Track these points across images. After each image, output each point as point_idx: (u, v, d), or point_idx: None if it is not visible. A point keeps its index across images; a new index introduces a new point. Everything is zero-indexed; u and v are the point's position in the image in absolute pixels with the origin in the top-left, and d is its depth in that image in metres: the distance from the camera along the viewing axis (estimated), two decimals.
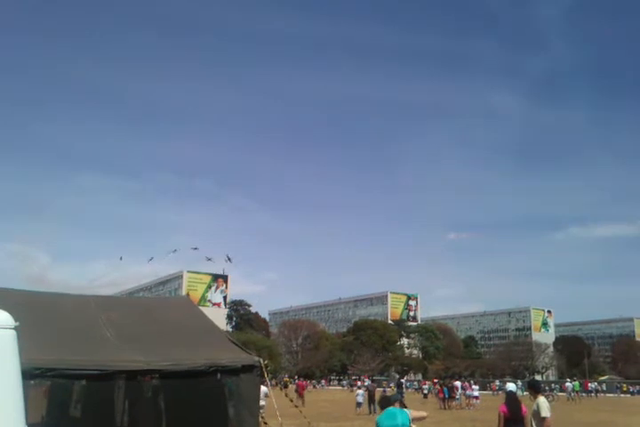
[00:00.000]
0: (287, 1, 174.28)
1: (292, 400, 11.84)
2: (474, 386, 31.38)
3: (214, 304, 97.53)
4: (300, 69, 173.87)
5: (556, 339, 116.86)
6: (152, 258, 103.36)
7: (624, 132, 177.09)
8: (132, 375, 6.99)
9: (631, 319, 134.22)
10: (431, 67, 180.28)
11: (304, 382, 39.54)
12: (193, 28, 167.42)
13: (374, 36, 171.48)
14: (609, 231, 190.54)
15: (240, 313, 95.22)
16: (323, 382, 74.98)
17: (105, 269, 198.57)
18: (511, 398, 7.76)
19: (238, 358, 7.78)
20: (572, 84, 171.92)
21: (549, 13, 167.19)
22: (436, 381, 42.33)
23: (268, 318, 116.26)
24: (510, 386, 8.23)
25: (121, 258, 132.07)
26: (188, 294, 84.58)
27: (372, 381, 41.67)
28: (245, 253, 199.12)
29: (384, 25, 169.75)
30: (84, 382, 6.98)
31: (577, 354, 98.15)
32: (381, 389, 36.92)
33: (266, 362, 7.99)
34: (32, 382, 6.13)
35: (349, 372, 79.40)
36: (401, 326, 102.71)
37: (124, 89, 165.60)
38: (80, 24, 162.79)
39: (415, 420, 6.24)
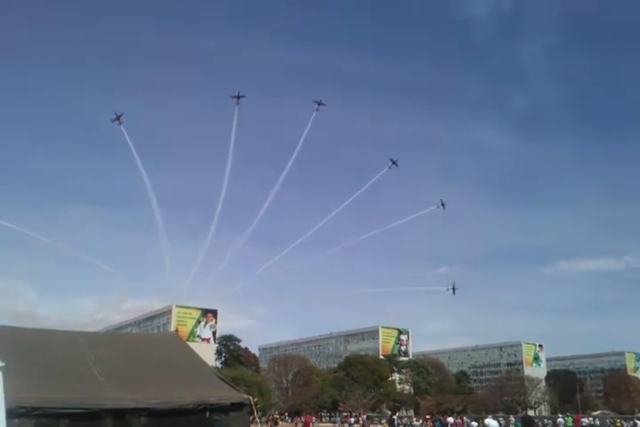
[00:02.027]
0: (279, 31, 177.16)
1: None
2: (472, 423, 30.97)
3: (203, 340, 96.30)
4: (286, 98, 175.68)
5: (548, 373, 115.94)
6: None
7: (609, 166, 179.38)
8: (120, 414, 6.89)
9: (622, 353, 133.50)
10: (416, 100, 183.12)
11: (309, 418, 38.97)
12: (175, 57, 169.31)
13: (362, 69, 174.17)
14: (596, 265, 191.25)
15: (229, 349, 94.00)
16: (314, 418, 73.61)
17: (92, 305, 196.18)
18: None
19: (227, 395, 7.70)
20: (556, 118, 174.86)
21: (533, 50, 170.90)
22: (428, 417, 41.80)
23: (257, 354, 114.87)
24: (491, 423, 8.18)
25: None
26: (176, 330, 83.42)
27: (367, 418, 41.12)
28: (235, 287, 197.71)
29: (372, 57, 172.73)
30: (67, 421, 6.85)
31: (569, 389, 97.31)
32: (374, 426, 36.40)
33: (256, 399, 7.91)
34: (17, 420, 6.03)
35: (340, 408, 78.18)
36: (392, 361, 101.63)
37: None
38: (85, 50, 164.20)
39: None
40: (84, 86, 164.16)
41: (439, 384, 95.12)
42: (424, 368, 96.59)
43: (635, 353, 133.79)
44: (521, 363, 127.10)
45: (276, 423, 39.51)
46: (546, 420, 54.10)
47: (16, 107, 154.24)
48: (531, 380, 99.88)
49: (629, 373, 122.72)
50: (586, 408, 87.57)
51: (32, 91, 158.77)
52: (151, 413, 6.99)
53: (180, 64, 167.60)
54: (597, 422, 56.43)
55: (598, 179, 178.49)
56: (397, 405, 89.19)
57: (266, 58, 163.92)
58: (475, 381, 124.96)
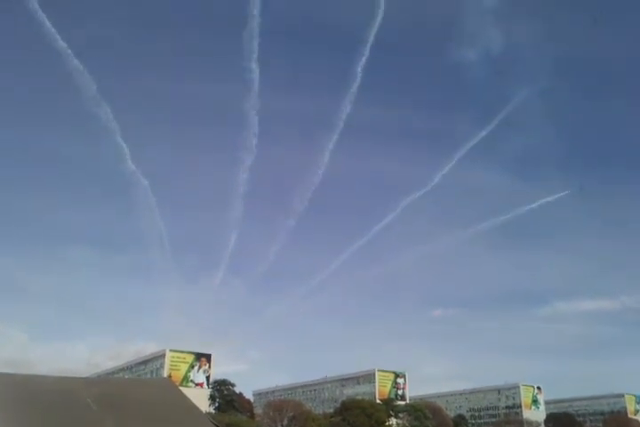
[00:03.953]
0: (271, 79, 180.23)
1: None
2: None
3: (197, 384, 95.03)
4: (275, 147, 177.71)
5: (547, 416, 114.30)
6: None
7: (605, 206, 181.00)
8: None
9: (622, 395, 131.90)
10: (412, 142, 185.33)
11: None
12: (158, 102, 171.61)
13: (358, 112, 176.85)
14: (593, 306, 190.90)
15: (223, 393, 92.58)
16: None
17: (85, 349, 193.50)
18: None
19: None
20: (552, 158, 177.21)
21: (526, 92, 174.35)
22: None
23: (252, 399, 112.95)
24: None
25: None
26: (170, 375, 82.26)
27: None
28: (228, 330, 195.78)
29: (367, 101, 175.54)
30: None
31: None
32: None
33: None
34: None
35: None
36: (389, 405, 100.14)
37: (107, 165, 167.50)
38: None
39: None
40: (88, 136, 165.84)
41: None
42: (421, 412, 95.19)
43: (634, 395, 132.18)
44: (519, 406, 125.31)
45: None
46: None
47: (15, 152, 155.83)
48: (530, 423, 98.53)
49: (630, 415, 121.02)
50: None
51: (31, 142, 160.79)
52: None
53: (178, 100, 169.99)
54: None
55: (594, 219, 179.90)
56: None
57: (270, 105, 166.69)
58: (473, 425, 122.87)
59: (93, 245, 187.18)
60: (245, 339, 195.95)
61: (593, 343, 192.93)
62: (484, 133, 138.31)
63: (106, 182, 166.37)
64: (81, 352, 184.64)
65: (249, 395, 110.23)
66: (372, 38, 68.01)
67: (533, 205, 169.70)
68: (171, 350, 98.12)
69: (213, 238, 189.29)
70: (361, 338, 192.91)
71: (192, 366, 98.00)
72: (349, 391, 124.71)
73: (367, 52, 71.87)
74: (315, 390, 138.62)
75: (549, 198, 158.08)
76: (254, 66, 67.30)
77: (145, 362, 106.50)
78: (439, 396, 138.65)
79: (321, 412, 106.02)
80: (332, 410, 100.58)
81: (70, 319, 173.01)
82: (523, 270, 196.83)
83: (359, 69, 70.69)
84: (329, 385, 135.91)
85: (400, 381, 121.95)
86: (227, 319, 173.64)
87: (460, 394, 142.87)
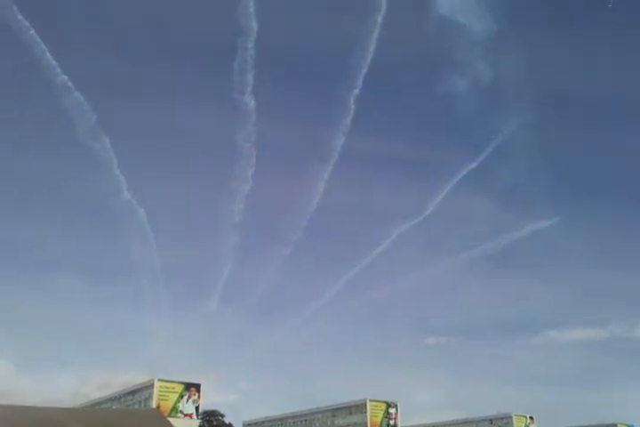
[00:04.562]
0: (266, 110, 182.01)
1: None
2: None
3: (186, 415, 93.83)
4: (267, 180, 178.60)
5: None
6: None
7: (591, 236, 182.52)
8: None
9: (614, 425, 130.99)
10: (404, 173, 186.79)
11: None
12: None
13: (348, 144, 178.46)
14: (584, 335, 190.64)
15: (213, 424, 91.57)
16: None
17: (72, 379, 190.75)
18: None
19: None
20: (542, 190, 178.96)
21: (513, 125, 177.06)
22: None
23: None
24: None
25: None
26: (158, 406, 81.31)
27: None
28: (219, 360, 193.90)
29: (357, 132, 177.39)
30: None
31: None
32: None
33: None
34: None
35: None
36: None
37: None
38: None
39: None
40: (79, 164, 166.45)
41: None
42: None
43: (627, 425, 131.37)
44: None
45: None
46: None
47: (11, 181, 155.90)
48: None
49: None
50: None
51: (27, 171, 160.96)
52: None
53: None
54: None
55: (581, 248, 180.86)
56: None
57: (265, 136, 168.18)
58: None
59: (84, 274, 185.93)
60: (236, 369, 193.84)
61: (584, 372, 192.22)
62: (474, 164, 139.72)
63: (100, 211, 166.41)
64: (69, 382, 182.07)
65: (239, 426, 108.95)
66: (364, 70, 69.34)
67: (523, 234, 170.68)
68: (159, 380, 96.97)
69: (206, 268, 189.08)
70: (353, 367, 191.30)
71: (181, 397, 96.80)
72: (341, 422, 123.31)
73: (360, 83, 73.36)
74: (306, 420, 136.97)
75: (538, 227, 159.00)
76: (249, 98, 68.35)
77: (133, 392, 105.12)
78: (431, 426, 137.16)
79: None
80: None
81: (58, 348, 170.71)
82: (513, 299, 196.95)
83: (352, 101, 72.06)
84: (320, 416, 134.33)
85: (392, 411, 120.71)
86: (217, 349, 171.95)
87: (453, 424, 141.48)
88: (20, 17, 57.79)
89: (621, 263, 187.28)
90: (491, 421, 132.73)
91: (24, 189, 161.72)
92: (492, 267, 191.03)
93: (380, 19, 65.99)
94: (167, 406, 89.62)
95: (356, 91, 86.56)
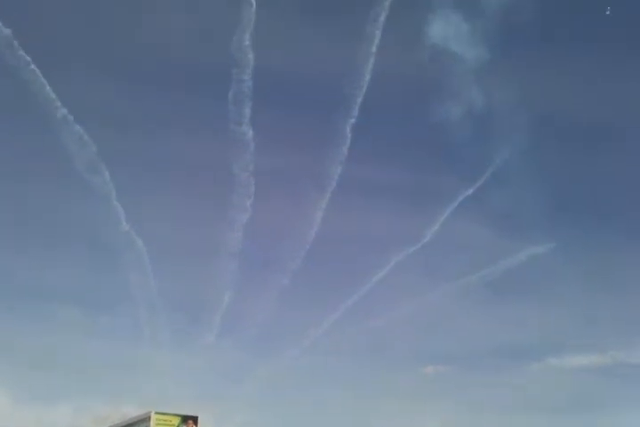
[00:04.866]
0: (264, 140, 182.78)
1: None
2: None
3: None
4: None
5: None
6: None
7: (589, 261, 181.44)
8: None
9: None
10: (401, 200, 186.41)
11: None
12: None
13: (346, 172, 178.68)
14: (584, 361, 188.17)
15: None
16: None
17: (68, 412, 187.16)
18: None
19: None
20: (536, 215, 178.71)
21: (508, 151, 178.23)
22: None
23: None
24: None
25: None
26: None
27: None
28: (216, 392, 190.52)
29: (354, 161, 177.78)
30: None
31: None
32: None
33: None
34: None
35: None
36: None
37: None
38: None
39: None
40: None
41: None
42: None
43: None
44: None
45: None
46: None
47: (10, 213, 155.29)
48: None
49: None
50: None
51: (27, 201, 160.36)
52: None
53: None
54: None
55: (579, 273, 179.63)
56: None
57: (263, 166, 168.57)
58: None
59: (82, 305, 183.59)
60: (234, 401, 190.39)
61: (585, 398, 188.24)
62: (470, 191, 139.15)
63: (98, 242, 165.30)
64: (65, 415, 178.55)
65: None
66: (359, 100, 70.08)
67: (520, 260, 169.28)
68: (156, 413, 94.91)
69: (205, 298, 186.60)
70: (352, 398, 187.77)
71: None
72: None
73: (356, 112, 74.09)
74: None
75: (536, 252, 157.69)
76: (246, 128, 69.06)
77: (130, 425, 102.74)
78: None
79: None
80: None
81: (55, 380, 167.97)
82: (512, 325, 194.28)
83: (348, 130, 72.75)
84: None
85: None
86: (215, 381, 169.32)
87: None
88: (20, 52, 58.66)
89: (620, 289, 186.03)
90: None
91: (23, 220, 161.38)
92: (490, 293, 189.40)
93: (374, 48, 67.06)
94: None
95: (352, 120, 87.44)
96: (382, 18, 61.23)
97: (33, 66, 62.33)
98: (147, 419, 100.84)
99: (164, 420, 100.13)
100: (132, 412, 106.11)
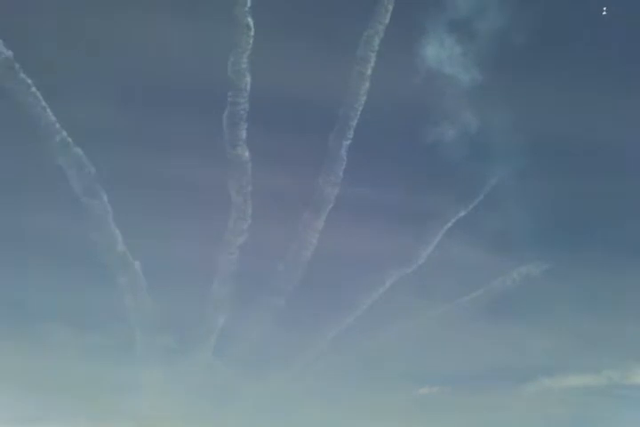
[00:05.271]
0: (260, 162, 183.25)
1: None
2: None
3: None
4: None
5: None
6: None
7: (583, 282, 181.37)
8: None
9: None
10: (396, 222, 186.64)
11: None
12: None
13: (341, 194, 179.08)
14: (579, 381, 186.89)
15: None
16: None
17: None
18: None
19: None
20: (530, 236, 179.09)
21: (500, 175, 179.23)
22: None
23: None
24: None
25: None
26: None
27: None
28: (208, 414, 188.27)
29: (349, 183, 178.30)
30: None
31: None
32: None
33: None
34: None
35: None
36: None
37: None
38: None
39: None
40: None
41: None
42: None
43: None
44: None
45: None
46: None
47: (6, 236, 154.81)
48: None
49: None
50: None
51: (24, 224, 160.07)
52: None
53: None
54: None
55: (573, 294, 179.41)
56: None
57: (260, 187, 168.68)
58: None
59: (75, 325, 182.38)
60: (226, 423, 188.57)
61: (581, 420, 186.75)
62: (463, 213, 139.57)
63: (94, 264, 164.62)
64: None
65: None
66: (355, 122, 71.03)
67: (514, 281, 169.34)
68: None
69: (200, 319, 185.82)
70: (344, 419, 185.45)
71: None
72: None
73: (351, 134, 75.00)
74: None
75: (530, 274, 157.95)
76: (242, 150, 69.68)
77: None
78: None
79: None
80: None
81: (45, 401, 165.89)
82: (506, 346, 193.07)
83: (344, 152, 73.46)
84: None
85: None
86: (207, 403, 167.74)
87: None
88: (22, 75, 59.36)
89: (615, 310, 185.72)
90: None
91: (18, 241, 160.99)
92: (485, 315, 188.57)
93: (369, 71, 68.15)
94: None
95: (348, 142, 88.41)
96: (377, 40, 62.30)
97: (33, 88, 63.04)
98: None
99: None
100: None
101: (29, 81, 60.56)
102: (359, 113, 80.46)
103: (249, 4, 56.85)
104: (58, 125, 71.88)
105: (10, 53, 55.73)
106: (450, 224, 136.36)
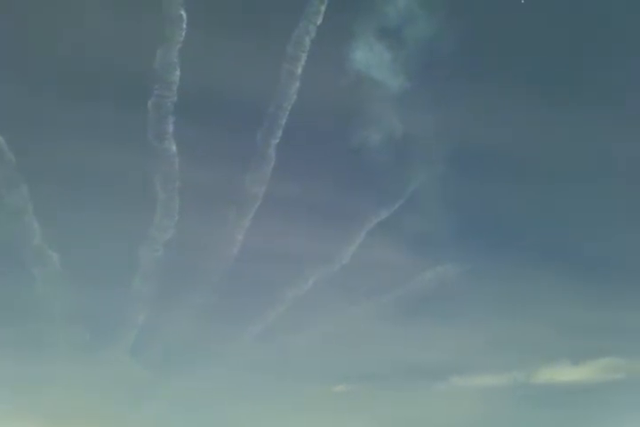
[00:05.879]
0: (187, 156, 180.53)
1: None
2: None
3: None
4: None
5: None
6: None
7: (497, 287, 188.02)
8: None
9: None
10: (321, 221, 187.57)
11: None
12: None
13: (269, 191, 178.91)
14: (487, 381, 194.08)
15: None
16: None
17: None
18: None
19: None
20: (448, 239, 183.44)
21: (422, 179, 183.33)
22: None
23: None
24: None
25: None
26: None
27: None
28: (124, 410, 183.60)
29: (277, 181, 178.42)
30: None
31: None
32: None
33: None
34: None
35: None
36: None
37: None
38: None
39: None
40: None
41: None
42: None
43: None
44: None
45: None
46: None
47: None
48: None
49: None
50: None
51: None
52: None
53: None
54: None
55: (488, 298, 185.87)
56: None
57: (186, 182, 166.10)
58: None
59: None
60: (143, 421, 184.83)
61: (487, 418, 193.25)
62: (386, 214, 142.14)
63: (10, 257, 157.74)
64: None
65: None
66: (283, 121, 71.49)
67: (431, 282, 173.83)
68: None
69: (120, 315, 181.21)
70: (264, 417, 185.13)
71: None
72: None
73: (280, 133, 75.44)
74: None
75: (446, 275, 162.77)
76: (169, 144, 68.85)
77: None
78: None
79: None
80: None
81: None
82: (419, 345, 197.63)
83: (272, 150, 73.80)
84: None
85: None
86: (123, 400, 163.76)
87: None
88: None
89: (523, 312, 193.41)
90: None
91: None
92: (401, 314, 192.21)
93: (299, 70, 68.69)
94: None
95: (276, 141, 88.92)
96: (307, 40, 62.87)
97: None
98: None
99: None
100: None
101: None
102: (288, 112, 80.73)
103: None
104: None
105: None
106: (372, 225, 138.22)
